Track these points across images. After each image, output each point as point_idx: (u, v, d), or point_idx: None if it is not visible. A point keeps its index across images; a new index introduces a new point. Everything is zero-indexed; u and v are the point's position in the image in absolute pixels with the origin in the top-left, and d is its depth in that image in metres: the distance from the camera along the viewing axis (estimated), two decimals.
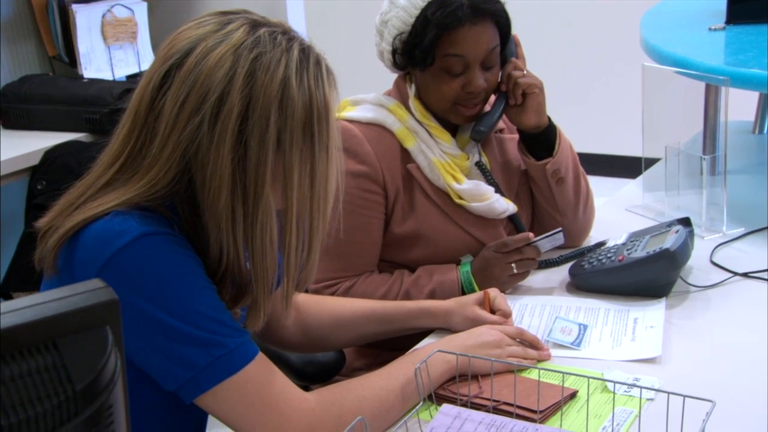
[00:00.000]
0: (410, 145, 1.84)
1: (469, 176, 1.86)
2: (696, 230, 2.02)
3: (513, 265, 1.79)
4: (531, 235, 1.82)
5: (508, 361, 1.49)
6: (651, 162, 2.28)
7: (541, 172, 1.90)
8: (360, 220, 1.81)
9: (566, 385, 1.45)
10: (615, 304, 1.76)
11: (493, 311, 1.64)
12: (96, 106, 3.01)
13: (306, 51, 1.30)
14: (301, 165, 1.28)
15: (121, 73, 3.50)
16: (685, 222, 1.89)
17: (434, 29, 1.73)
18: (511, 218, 1.91)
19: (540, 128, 1.89)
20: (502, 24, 1.80)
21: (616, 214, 2.21)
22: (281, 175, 1.27)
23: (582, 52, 4.97)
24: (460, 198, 1.84)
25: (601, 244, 1.95)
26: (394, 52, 1.81)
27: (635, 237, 1.88)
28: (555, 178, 1.91)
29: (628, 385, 1.44)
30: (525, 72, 1.87)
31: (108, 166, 1.31)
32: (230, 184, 1.25)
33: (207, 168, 1.25)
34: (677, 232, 1.79)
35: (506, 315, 1.63)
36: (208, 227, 1.28)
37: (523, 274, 1.83)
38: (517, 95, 1.86)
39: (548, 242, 1.82)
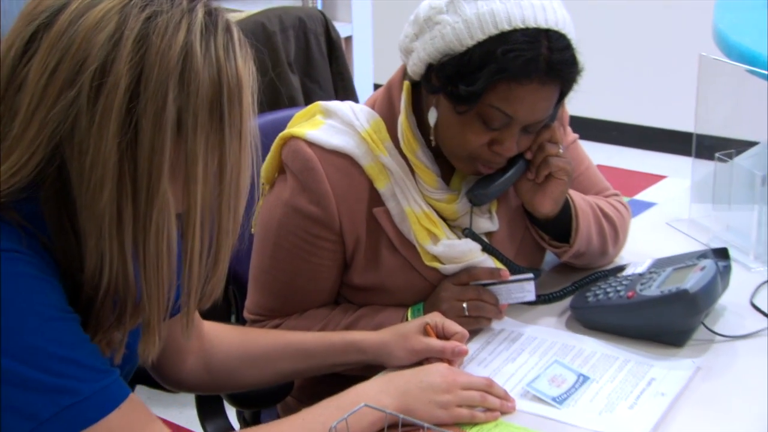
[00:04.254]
0: (381, 186, 1.49)
1: (457, 222, 1.53)
2: (742, 259, 1.70)
3: (464, 305, 1.48)
4: (504, 272, 1.50)
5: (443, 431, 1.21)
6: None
7: (559, 255, 1.61)
8: (305, 266, 1.51)
9: None
10: (639, 354, 1.45)
11: (446, 339, 1.38)
12: None
13: (213, 14, 1.06)
14: (207, 154, 1.04)
15: None
16: (722, 254, 1.57)
17: (496, 72, 1.36)
18: None
19: (550, 218, 1.55)
20: (565, 92, 1.45)
21: (655, 228, 1.90)
22: (182, 165, 1.04)
23: (656, 27, 4.76)
24: (433, 259, 1.51)
25: (620, 269, 1.64)
26: (430, 66, 1.43)
27: (658, 267, 1.56)
28: (575, 257, 1.62)
29: None
30: (561, 149, 1.51)
31: None
32: (116, 176, 1.01)
33: (86, 155, 1.01)
34: (704, 268, 1.47)
35: (462, 337, 1.38)
36: (85, 230, 1.04)
37: (479, 320, 1.50)
38: (542, 174, 1.51)
39: (514, 290, 1.50)
